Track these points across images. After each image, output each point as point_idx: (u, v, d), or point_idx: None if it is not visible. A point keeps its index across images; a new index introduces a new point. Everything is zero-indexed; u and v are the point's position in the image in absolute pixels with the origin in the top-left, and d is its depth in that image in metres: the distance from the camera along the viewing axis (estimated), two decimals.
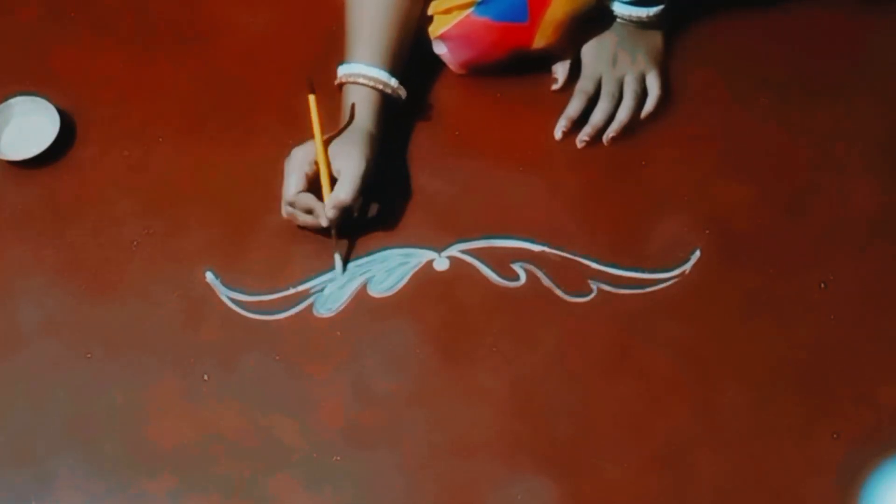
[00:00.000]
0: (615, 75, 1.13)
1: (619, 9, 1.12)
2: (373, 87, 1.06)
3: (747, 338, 1.01)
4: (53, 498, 0.96)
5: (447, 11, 1.11)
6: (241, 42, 1.20)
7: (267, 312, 1.03)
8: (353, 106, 1.06)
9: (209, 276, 1.05)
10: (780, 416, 0.97)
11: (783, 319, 1.02)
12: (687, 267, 1.05)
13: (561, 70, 1.15)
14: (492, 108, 1.15)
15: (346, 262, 1.05)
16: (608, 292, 1.04)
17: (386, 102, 1.08)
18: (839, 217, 1.08)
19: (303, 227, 1.05)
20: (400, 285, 1.04)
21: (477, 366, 1.00)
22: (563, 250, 1.06)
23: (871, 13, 1.20)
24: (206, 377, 1.00)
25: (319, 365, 1.01)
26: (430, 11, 1.12)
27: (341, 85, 1.08)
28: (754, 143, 1.12)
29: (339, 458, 0.96)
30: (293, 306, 1.04)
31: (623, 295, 1.04)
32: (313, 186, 1.03)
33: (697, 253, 1.05)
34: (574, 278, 1.04)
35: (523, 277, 1.05)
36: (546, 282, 1.04)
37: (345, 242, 1.06)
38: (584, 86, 1.13)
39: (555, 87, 1.15)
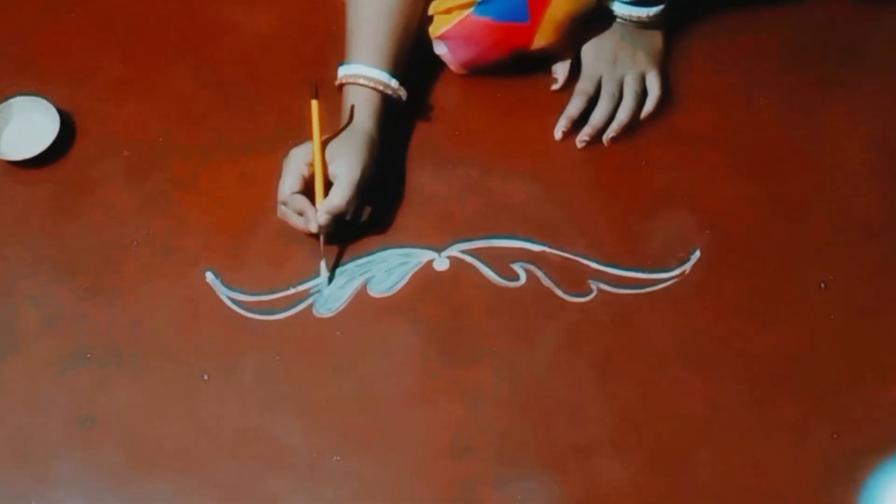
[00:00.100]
0: (615, 75, 1.13)
1: (619, 9, 1.12)
2: (373, 88, 1.06)
3: (747, 338, 1.01)
4: (53, 498, 0.96)
5: (447, 11, 1.11)
6: (241, 42, 1.20)
7: (267, 312, 1.03)
8: (352, 107, 1.06)
9: (209, 276, 1.05)
10: (780, 416, 0.98)
11: (783, 319, 1.02)
12: (687, 267, 1.05)
13: (561, 70, 1.15)
14: (492, 108, 1.15)
15: (335, 267, 1.05)
16: (608, 292, 1.04)
17: (386, 103, 1.08)
18: (839, 217, 1.08)
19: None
20: (400, 285, 1.04)
21: (477, 366, 1.00)
22: (563, 250, 1.06)
23: (871, 13, 1.20)
24: (206, 377, 1.00)
25: (319, 365, 1.01)
26: (430, 11, 1.12)
27: (341, 86, 1.08)
28: (754, 143, 1.12)
29: (339, 458, 0.96)
30: (293, 306, 1.04)
31: (623, 295, 1.04)
32: (309, 187, 1.03)
33: (697, 253, 1.05)
34: (574, 278, 1.04)
35: (523, 277, 1.05)
36: (546, 282, 1.04)
37: (334, 249, 1.05)
38: (584, 86, 1.13)
39: (555, 87, 1.15)
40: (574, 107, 1.12)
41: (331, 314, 1.03)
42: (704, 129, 1.13)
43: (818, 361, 1.00)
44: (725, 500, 0.95)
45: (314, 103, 1.04)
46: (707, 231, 1.07)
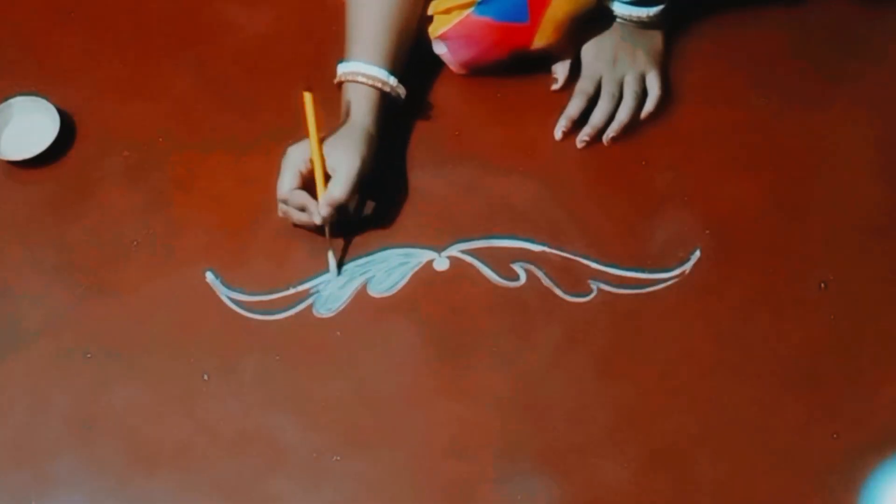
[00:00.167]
0: (615, 75, 1.13)
1: (619, 9, 1.12)
2: (372, 86, 1.06)
3: (747, 338, 1.01)
4: (53, 498, 0.96)
5: (447, 11, 1.11)
6: (241, 42, 1.20)
7: (267, 312, 1.03)
8: (351, 104, 1.06)
9: (209, 276, 1.05)
10: (780, 416, 0.98)
11: (783, 319, 1.02)
12: (687, 267, 1.05)
13: (561, 70, 1.15)
14: (492, 108, 1.15)
15: (341, 262, 1.05)
16: (608, 292, 1.04)
17: (385, 101, 1.08)
18: (839, 217, 1.08)
19: (298, 226, 1.05)
20: (400, 285, 1.04)
21: (477, 366, 1.00)
22: (563, 250, 1.06)
23: (872, 13, 1.20)
24: (206, 377, 1.00)
25: (319, 365, 1.01)
26: (430, 11, 1.12)
27: (341, 83, 1.08)
28: (754, 143, 1.12)
29: (339, 458, 0.96)
30: (293, 306, 1.04)
31: (623, 295, 1.04)
32: (308, 184, 1.03)
33: (697, 253, 1.05)
34: (574, 278, 1.04)
35: (523, 277, 1.05)
36: (546, 282, 1.04)
37: (340, 242, 1.06)
38: (584, 86, 1.13)
39: (555, 87, 1.15)
40: (574, 107, 1.12)
41: (331, 314, 1.03)
42: (704, 129, 1.13)
43: (818, 361, 1.00)
44: (725, 500, 0.95)
45: (308, 95, 1.03)
46: (707, 231, 1.07)
